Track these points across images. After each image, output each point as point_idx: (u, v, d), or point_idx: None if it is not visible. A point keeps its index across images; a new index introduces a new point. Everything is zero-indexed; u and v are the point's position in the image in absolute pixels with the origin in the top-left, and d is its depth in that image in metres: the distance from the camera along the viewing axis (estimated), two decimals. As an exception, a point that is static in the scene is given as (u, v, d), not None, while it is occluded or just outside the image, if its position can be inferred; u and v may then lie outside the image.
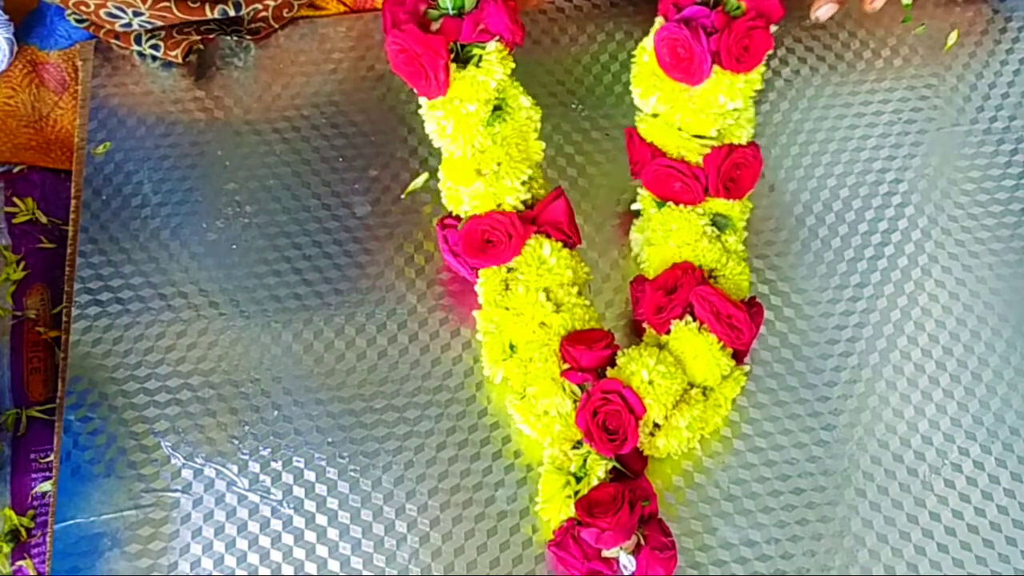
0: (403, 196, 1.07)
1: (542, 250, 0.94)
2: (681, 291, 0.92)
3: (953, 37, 1.17)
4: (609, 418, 0.87)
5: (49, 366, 1.10)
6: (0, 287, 1.13)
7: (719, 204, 0.98)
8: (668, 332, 0.93)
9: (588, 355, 0.90)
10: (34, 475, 1.04)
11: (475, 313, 0.97)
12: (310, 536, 0.91)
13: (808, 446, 0.95)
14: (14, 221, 1.16)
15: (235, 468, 0.93)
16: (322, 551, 0.90)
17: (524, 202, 0.97)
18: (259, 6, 1.13)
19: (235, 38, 1.16)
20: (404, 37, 0.88)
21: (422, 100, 0.94)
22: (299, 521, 0.91)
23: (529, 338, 0.92)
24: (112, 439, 0.94)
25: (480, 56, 0.92)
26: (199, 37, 1.14)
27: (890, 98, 1.13)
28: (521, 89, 0.96)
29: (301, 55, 1.15)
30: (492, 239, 0.94)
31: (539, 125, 0.98)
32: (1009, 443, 0.95)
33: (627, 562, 0.84)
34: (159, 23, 1.10)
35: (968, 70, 1.15)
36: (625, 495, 0.84)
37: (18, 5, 1.16)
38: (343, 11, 1.19)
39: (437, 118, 0.93)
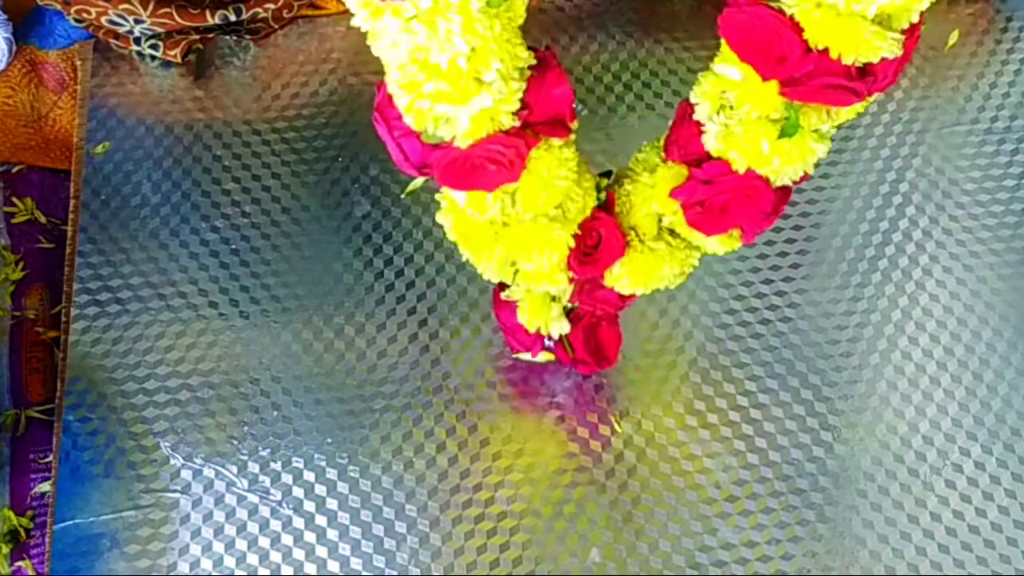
0: (403, 196, 1.07)
1: (552, 169, 0.73)
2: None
3: (954, 37, 1.17)
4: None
5: (48, 366, 1.10)
6: (-1, 287, 1.13)
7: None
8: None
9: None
10: (33, 475, 1.03)
11: (448, 225, 0.80)
12: (309, 537, 0.91)
13: (809, 446, 0.95)
14: (13, 221, 1.16)
15: (234, 468, 0.93)
16: (321, 552, 0.90)
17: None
18: (259, 10, 1.13)
19: (234, 38, 1.15)
20: None
21: None
22: (298, 522, 0.91)
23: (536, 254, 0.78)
24: (111, 439, 0.94)
25: None
26: (198, 36, 1.14)
27: (891, 98, 1.13)
28: None
29: (300, 54, 1.15)
30: (491, 163, 0.71)
31: None
32: (1010, 444, 0.95)
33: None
34: (160, 30, 1.10)
35: (969, 70, 1.15)
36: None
37: (17, 5, 1.15)
38: (343, 10, 1.18)
39: (402, 19, 0.61)
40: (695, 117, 0.72)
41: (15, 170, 1.20)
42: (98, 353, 0.98)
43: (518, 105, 0.69)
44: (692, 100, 0.71)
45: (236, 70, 1.14)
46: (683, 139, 0.75)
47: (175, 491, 0.92)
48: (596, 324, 0.91)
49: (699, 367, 0.98)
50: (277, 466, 0.93)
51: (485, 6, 0.63)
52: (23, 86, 1.16)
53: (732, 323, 1.00)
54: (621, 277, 0.81)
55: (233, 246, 1.04)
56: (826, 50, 0.62)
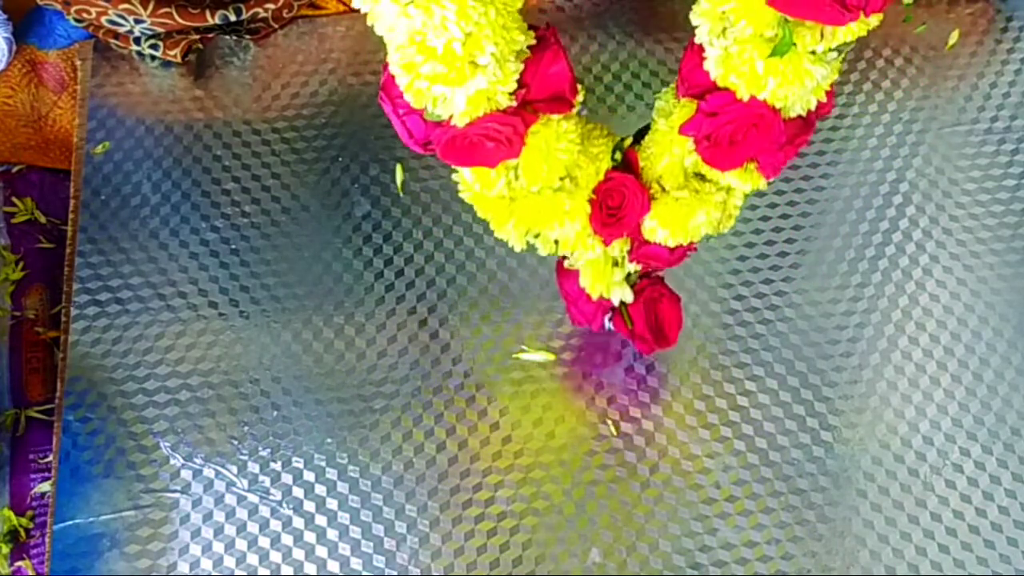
0: (402, 196, 1.07)
1: (551, 142, 0.75)
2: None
3: (954, 37, 1.17)
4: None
5: (48, 366, 1.10)
6: (-1, 287, 1.13)
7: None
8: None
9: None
10: (33, 475, 1.03)
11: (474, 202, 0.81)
12: (309, 537, 0.91)
13: (809, 446, 0.95)
14: (13, 221, 1.16)
15: (234, 468, 0.93)
16: (321, 552, 0.90)
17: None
18: (259, 10, 1.13)
19: (234, 38, 1.15)
20: None
21: None
22: (298, 522, 0.91)
23: (551, 222, 0.79)
24: (111, 439, 0.94)
25: None
26: (198, 36, 1.14)
27: (891, 98, 1.13)
28: None
29: (300, 54, 1.15)
30: (489, 141, 0.73)
31: None
32: (1010, 444, 0.95)
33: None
34: (160, 30, 1.10)
35: (969, 70, 1.15)
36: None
37: (17, 5, 1.15)
38: (342, 10, 1.18)
39: (399, 5, 0.64)
40: (696, 41, 0.72)
41: (15, 170, 1.20)
42: (98, 353, 0.98)
43: (515, 86, 0.71)
44: (693, 21, 0.71)
45: (236, 70, 1.14)
46: (686, 70, 0.75)
47: (175, 491, 0.92)
48: (658, 300, 0.90)
49: (699, 367, 0.98)
50: (277, 466, 0.93)
51: None
52: (23, 86, 1.16)
53: (732, 323, 1.00)
54: (655, 230, 0.80)
55: (233, 246, 1.04)
56: None
